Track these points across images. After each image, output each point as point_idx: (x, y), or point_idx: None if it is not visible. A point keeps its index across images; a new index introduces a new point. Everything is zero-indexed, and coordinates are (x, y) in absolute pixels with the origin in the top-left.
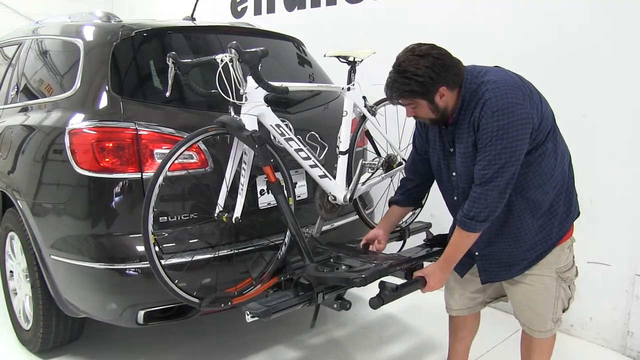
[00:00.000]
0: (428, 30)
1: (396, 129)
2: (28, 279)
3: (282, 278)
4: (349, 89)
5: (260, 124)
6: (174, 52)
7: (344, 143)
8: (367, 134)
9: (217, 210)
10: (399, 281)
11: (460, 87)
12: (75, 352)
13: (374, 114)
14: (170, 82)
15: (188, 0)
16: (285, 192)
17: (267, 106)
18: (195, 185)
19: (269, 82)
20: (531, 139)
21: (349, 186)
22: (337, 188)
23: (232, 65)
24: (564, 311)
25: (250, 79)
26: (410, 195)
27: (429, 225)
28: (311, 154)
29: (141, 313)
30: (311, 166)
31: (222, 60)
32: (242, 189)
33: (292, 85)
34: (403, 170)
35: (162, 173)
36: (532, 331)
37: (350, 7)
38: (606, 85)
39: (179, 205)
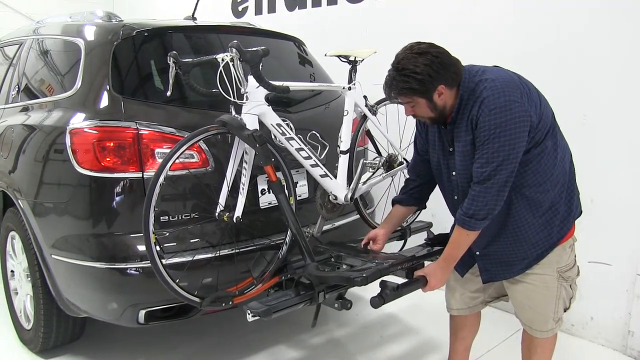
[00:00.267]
0: (428, 30)
1: (397, 129)
2: (29, 279)
3: (283, 277)
4: (349, 88)
5: (261, 123)
6: (174, 52)
7: (344, 142)
8: (368, 133)
9: (218, 210)
10: (399, 280)
11: (458, 86)
12: (76, 351)
13: (374, 113)
14: (171, 81)
15: (189, 0)
16: (286, 191)
17: (268, 105)
18: (196, 184)
19: (270, 82)
20: (530, 137)
21: (349, 186)
22: (338, 187)
23: (233, 65)
24: (565, 311)
25: (251, 78)
26: (413, 195)
27: (430, 224)
28: (312, 154)
29: (142, 312)
30: (312, 165)
31: (223, 60)
32: (243, 189)
33: (293, 85)
34: (405, 171)
35: (163, 172)
36: (533, 331)
37: (351, 6)
38: (607, 85)
39: (180, 205)
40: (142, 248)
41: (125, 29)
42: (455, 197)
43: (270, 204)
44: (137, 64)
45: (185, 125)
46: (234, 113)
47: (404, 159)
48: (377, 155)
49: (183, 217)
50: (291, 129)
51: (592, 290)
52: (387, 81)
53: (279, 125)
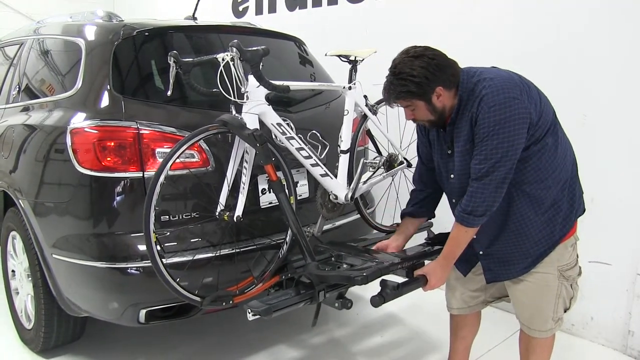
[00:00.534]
0: (428, 30)
1: (397, 128)
2: (30, 279)
3: (283, 277)
4: (350, 88)
5: (261, 122)
6: (175, 51)
7: (345, 142)
8: (369, 133)
9: (218, 209)
10: (400, 280)
11: (457, 87)
12: (77, 351)
13: (375, 113)
14: (171, 81)
15: (189, 0)
16: (286, 191)
17: (269, 105)
18: (196, 184)
19: (271, 81)
20: (529, 135)
21: (350, 185)
22: (338, 187)
23: (234, 64)
24: (565, 311)
25: (251, 77)
26: (423, 207)
27: (430, 224)
28: (312, 153)
29: (143, 312)
30: (312, 165)
31: (223, 59)
32: (243, 188)
33: (294, 84)
34: (405, 170)
35: (164, 172)
36: (531, 330)
37: (352, 6)
38: (607, 85)
39: (180, 204)
40: (142, 247)
41: (125, 28)
42: (454, 201)
43: (270, 203)
44: (137, 63)
45: (185, 125)
46: (234, 112)
47: (404, 158)
48: (377, 154)
49: (183, 216)
50: (291, 129)
51: (593, 290)
52: (386, 86)
53: (279, 124)
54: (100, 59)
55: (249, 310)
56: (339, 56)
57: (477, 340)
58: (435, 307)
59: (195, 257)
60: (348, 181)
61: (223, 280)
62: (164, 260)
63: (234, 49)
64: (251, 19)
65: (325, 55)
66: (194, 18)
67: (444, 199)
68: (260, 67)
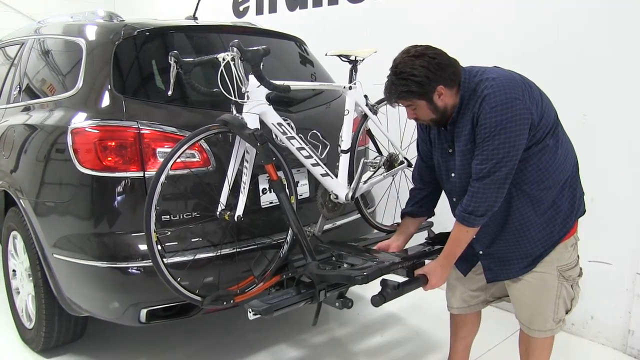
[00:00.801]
0: (428, 30)
1: (398, 128)
2: (31, 278)
3: (284, 276)
4: (350, 87)
5: (262, 122)
6: (176, 51)
7: (345, 142)
8: (369, 132)
9: (219, 209)
10: (400, 279)
11: (458, 86)
12: (78, 351)
13: (375, 112)
14: (172, 81)
15: (189, 0)
16: (287, 190)
17: (269, 105)
18: (197, 183)
19: (271, 81)
20: (530, 135)
21: (350, 185)
22: (339, 187)
23: (234, 64)
24: (567, 312)
25: (252, 77)
26: (423, 206)
27: (431, 224)
28: (313, 153)
29: (144, 311)
30: (313, 165)
31: (224, 59)
32: (244, 188)
33: (294, 84)
34: (406, 170)
35: (165, 172)
36: (531, 331)
37: (352, 6)
38: (607, 85)
39: (181, 204)
40: (143, 247)
41: (126, 28)
42: (454, 200)
43: (271, 203)
44: (138, 63)
45: (186, 125)
46: (235, 112)
47: (405, 158)
48: (377, 154)
49: (184, 216)
50: (292, 128)
51: (593, 290)
52: (387, 86)
53: (280, 124)
54: (101, 59)
55: (250, 310)
56: (339, 56)
57: (477, 339)
58: (435, 307)
59: (196, 257)
60: (348, 181)
61: (224, 279)
62: (164, 259)
63: (235, 49)
64: (252, 18)
65: (326, 55)
66: (194, 18)
67: (444, 198)
68: (261, 66)
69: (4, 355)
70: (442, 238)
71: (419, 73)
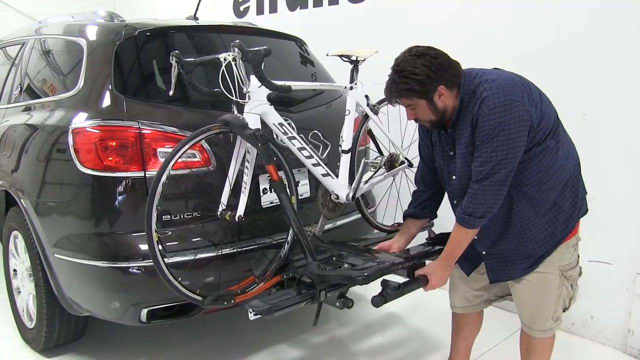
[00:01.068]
0: (429, 30)
1: (399, 128)
2: (31, 278)
3: (284, 276)
4: (351, 87)
5: (263, 122)
6: (177, 51)
7: (346, 142)
8: (370, 132)
9: (220, 209)
10: (401, 280)
11: (458, 88)
12: (79, 350)
13: (376, 112)
14: (173, 81)
15: (190, 0)
16: (287, 190)
17: (270, 105)
18: (198, 183)
19: (272, 81)
20: (530, 137)
21: (351, 185)
22: (339, 187)
23: (235, 64)
24: (564, 311)
25: (253, 77)
26: (426, 208)
27: (432, 224)
28: (314, 153)
29: (144, 311)
30: (314, 165)
31: (225, 59)
32: (245, 188)
33: (295, 84)
34: (407, 170)
35: (165, 172)
36: (532, 331)
37: (353, 6)
38: (607, 85)
39: (182, 204)
40: (144, 247)
41: (127, 28)
42: (455, 202)
43: (272, 203)
44: (139, 63)
45: (187, 125)
46: (236, 112)
47: (406, 158)
48: (378, 154)
49: (185, 216)
50: (293, 128)
51: (593, 289)
52: (388, 84)
53: (280, 124)
54: (102, 59)
55: (251, 310)
56: (340, 56)
57: (478, 339)
58: (436, 307)
59: (196, 257)
60: (349, 181)
61: (224, 279)
62: (165, 259)
63: (236, 49)
64: (252, 19)
65: (327, 55)
66: (195, 18)
67: (445, 198)
68: (262, 67)
69: (5, 355)
70: (443, 238)
71: (421, 72)
